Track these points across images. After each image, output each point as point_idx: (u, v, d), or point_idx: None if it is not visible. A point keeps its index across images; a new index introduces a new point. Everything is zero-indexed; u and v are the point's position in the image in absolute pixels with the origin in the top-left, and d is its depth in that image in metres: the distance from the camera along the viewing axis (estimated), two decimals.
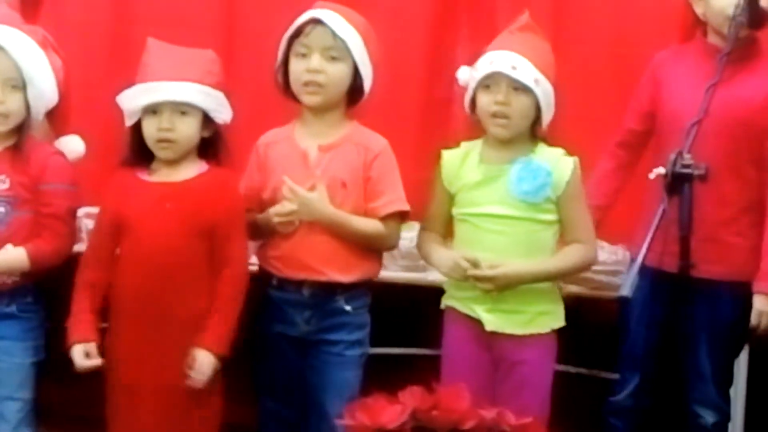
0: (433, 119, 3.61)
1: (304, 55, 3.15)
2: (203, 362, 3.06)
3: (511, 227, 3.13)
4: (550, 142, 3.18)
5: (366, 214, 3.16)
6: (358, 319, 3.21)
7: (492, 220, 3.13)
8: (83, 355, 3.10)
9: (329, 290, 3.16)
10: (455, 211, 3.21)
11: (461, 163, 3.20)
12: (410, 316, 3.56)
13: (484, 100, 3.14)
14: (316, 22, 3.15)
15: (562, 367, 3.30)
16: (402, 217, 3.20)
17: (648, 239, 2.93)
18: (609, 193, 3.42)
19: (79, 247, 3.24)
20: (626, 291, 2.95)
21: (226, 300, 3.11)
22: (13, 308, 3.14)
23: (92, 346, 3.11)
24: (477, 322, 3.15)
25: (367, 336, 3.22)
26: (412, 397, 2.92)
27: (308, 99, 3.17)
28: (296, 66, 3.16)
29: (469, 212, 3.18)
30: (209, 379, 3.07)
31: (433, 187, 3.25)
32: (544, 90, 3.11)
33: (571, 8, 3.44)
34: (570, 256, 3.17)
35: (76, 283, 3.15)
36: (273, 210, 3.14)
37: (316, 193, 3.11)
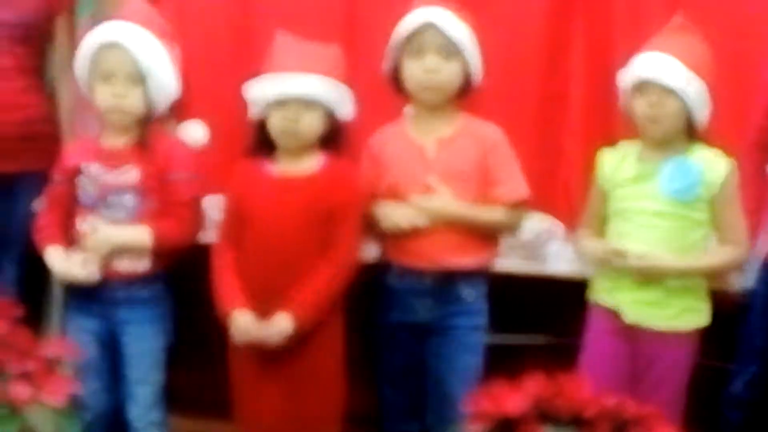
0: (549, 112, 3.62)
1: (418, 54, 3.19)
2: (279, 323, 3.09)
3: (663, 224, 3.12)
4: (710, 143, 3.16)
5: (488, 202, 3.21)
6: (478, 304, 3.25)
7: (644, 216, 3.14)
8: (244, 320, 3.12)
9: (451, 277, 3.20)
10: (610, 207, 3.22)
11: (618, 162, 3.22)
12: (528, 305, 3.60)
13: (637, 103, 3.14)
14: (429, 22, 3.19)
15: None
16: (524, 202, 3.24)
17: None
18: (758, 196, 3.34)
19: (204, 236, 3.31)
20: (749, 282, 2.95)
21: (322, 277, 3.12)
22: (145, 294, 3.23)
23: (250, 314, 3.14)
24: (619, 315, 3.16)
25: (486, 322, 3.26)
26: (534, 385, 2.90)
27: (426, 97, 3.22)
28: (411, 66, 3.21)
29: (621, 207, 3.19)
30: (281, 340, 3.09)
31: (590, 186, 3.27)
32: (696, 90, 3.09)
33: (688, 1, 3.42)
34: (720, 256, 3.15)
35: (218, 265, 3.20)
36: (399, 217, 3.18)
37: (441, 197, 3.17)
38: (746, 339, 3.34)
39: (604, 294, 3.21)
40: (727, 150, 3.15)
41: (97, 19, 3.44)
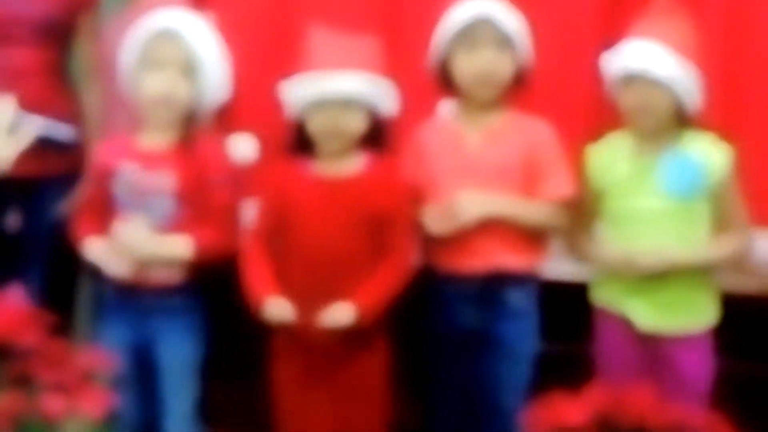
0: (601, 106, 3.36)
1: (472, 48, 3.07)
2: (342, 312, 2.98)
3: (667, 222, 3.00)
4: (702, 126, 3.03)
5: (531, 199, 3.08)
6: (528, 311, 3.12)
7: (645, 216, 3.01)
8: (278, 307, 3.01)
9: (498, 282, 3.07)
10: (605, 205, 3.09)
11: (609, 157, 3.09)
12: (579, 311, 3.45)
13: (625, 95, 3.01)
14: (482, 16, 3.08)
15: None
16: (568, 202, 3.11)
17: None
18: None
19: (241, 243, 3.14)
20: None
21: (383, 277, 3.02)
22: (179, 303, 3.10)
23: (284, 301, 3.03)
24: (629, 321, 3.06)
25: (537, 329, 3.13)
26: (594, 395, 2.78)
27: (479, 92, 3.09)
28: (465, 60, 3.08)
29: (619, 207, 3.06)
30: (340, 330, 2.98)
31: (580, 182, 3.12)
32: (686, 78, 2.95)
33: None
34: (724, 246, 3.03)
35: (248, 256, 3.08)
36: (433, 223, 3.06)
37: (479, 195, 3.04)
38: None
39: (610, 300, 3.10)
40: (722, 134, 3.02)
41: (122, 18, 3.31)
